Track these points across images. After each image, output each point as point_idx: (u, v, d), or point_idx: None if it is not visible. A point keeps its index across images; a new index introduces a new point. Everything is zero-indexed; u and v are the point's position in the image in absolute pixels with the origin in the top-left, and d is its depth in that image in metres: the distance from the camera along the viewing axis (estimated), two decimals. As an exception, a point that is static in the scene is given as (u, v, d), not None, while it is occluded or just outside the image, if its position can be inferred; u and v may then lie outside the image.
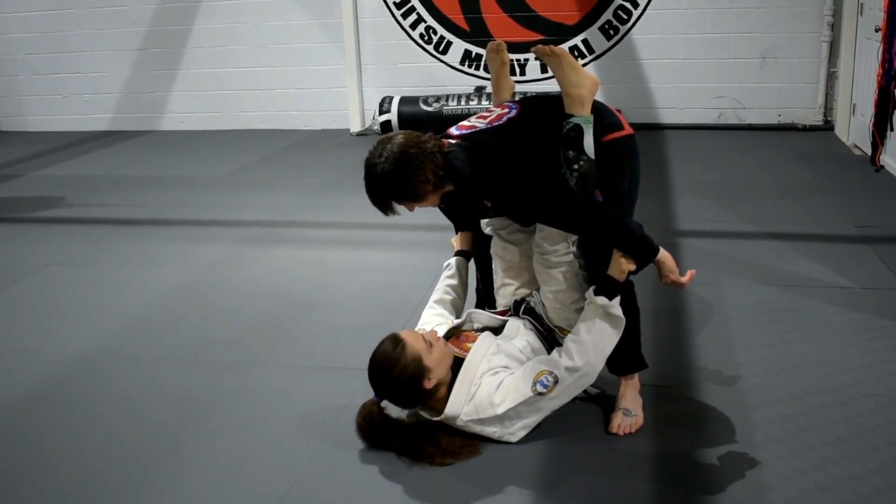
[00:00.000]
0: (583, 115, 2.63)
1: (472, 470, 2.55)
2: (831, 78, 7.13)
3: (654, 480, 2.48)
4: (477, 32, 7.78)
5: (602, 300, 2.61)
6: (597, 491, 2.44)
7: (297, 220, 5.32)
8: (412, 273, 4.22)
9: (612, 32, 7.51)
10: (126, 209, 5.76)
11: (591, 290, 2.66)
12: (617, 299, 2.63)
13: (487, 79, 7.83)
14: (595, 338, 2.60)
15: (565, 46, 7.60)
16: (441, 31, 7.85)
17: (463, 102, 7.52)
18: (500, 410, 2.58)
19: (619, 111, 2.84)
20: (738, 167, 6.12)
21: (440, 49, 7.90)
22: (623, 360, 2.81)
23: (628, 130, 2.77)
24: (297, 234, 5.07)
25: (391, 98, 7.73)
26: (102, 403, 3.09)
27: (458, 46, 7.87)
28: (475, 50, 7.82)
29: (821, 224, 4.72)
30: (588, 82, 2.66)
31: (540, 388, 2.57)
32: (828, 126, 7.16)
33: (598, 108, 2.71)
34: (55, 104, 8.88)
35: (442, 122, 7.51)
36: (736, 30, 7.24)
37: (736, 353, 3.23)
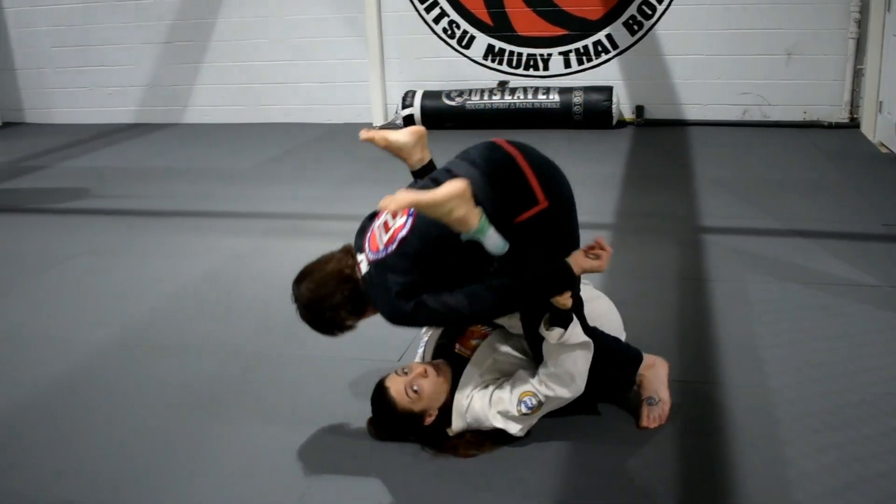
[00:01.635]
0: (471, 229, 2.32)
1: (496, 462, 2.56)
2: (858, 75, 7.07)
3: (678, 477, 2.48)
4: (500, 27, 7.78)
5: (556, 334, 2.49)
6: (619, 487, 2.44)
7: (320, 213, 5.33)
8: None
9: (636, 28, 7.49)
10: (152, 200, 5.80)
11: (542, 326, 2.54)
12: (573, 325, 2.51)
13: (510, 73, 7.85)
14: (566, 367, 2.53)
15: (589, 42, 7.60)
16: (464, 25, 7.84)
17: (486, 97, 7.53)
18: (494, 424, 2.59)
19: (532, 172, 2.48)
20: (762, 164, 6.09)
21: (463, 43, 7.90)
22: (614, 387, 2.80)
23: (543, 204, 2.44)
24: (321, 226, 5.09)
25: (414, 92, 7.74)
26: (129, 391, 3.12)
27: (482, 41, 7.86)
28: (498, 44, 7.82)
29: (847, 222, 4.69)
30: (454, 201, 2.26)
31: (524, 409, 2.55)
32: (854, 124, 7.10)
33: (499, 191, 2.43)
34: (81, 97, 8.94)
35: (464, 116, 7.57)
36: (761, 26, 7.20)
37: (760, 350, 3.22)
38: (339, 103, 8.30)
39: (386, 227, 2.55)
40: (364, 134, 2.84)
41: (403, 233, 2.48)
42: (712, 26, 7.31)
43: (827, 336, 3.33)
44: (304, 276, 2.62)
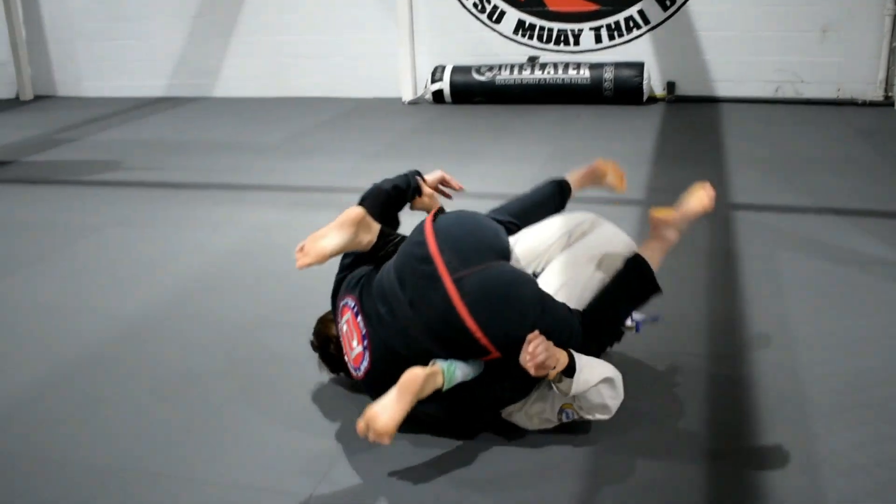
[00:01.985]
0: (442, 388, 2.33)
1: (516, 477, 2.56)
2: (893, 53, 6.96)
3: (706, 455, 2.47)
4: (531, 2, 7.72)
5: (566, 386, 2.36)
6: (647, 466, 2.43)
7: (348, 186, 5.31)
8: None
9: (668, 3, 7.40)
10: (181, 173, 5.83)
11: (551, 388, 2.44)
12: (578, 372, 2.35)
13: (540, 49, 7.79)
14: (594, 402, 2.40)
15: (620, 17, 7.52)
16: (495, 0, 7.79)
17: (516, 72, 7.49)
18: (532, 427, 2.55)
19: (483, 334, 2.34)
20: (795, 142, 6.02)
21: (493, 18, 7.85)
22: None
23: (496, 355, 2.37)
24: (348, 199, 4.99)
25: (443, 67, 7.72)
26: (158, 362, 3.15)
27: (512, 16, 7.81)
28: (529, 19, 7.76)
29: (880, 200, 4.63)
30: (415, 396, 2.26)
31: (565, 419, 2.49)
32: (888, 102, 7.00)
33: (453, 348, 2.36)
34: (111, 71, 8.99)
35: (494, 91, 7.54)
36: (796, 2, 7.09)
37: (790, 327, 3.19)
38: (368, 78, 8.29)
39: (349, 336, 2.56)
40: (300, 262, 2.52)
41: (365, 364, 2.50)
42: (746, 2, 7.21)
43: (857, 314, 3.29)
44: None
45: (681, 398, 2.74)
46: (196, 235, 4.53)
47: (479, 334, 2.32)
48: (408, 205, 2.90)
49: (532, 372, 2.27)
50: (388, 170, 5.61)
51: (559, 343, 2.34)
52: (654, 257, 2.69)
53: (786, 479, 2.31)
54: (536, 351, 2.24)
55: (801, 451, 2.43)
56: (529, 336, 2.28)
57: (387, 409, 2.23)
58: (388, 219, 2.77)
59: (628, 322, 2.72)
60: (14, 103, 8.97)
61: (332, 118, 7.47)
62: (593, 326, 2.51)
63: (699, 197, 2.85)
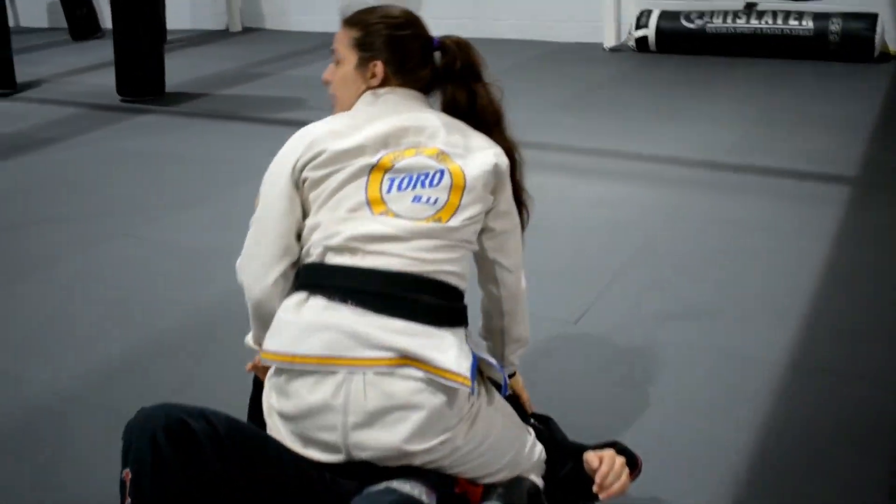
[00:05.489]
0: None
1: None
2: None
3: None
4: (754, -59, 7.00)
5: None
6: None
7: (526, 140, 4.94)
8: (640, 210, 3.84)
9: (916, -54, 6.48)
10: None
11: None
12: None
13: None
14: None
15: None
16: (714, -62, 7.13)
17: (729, 20, 6.83)
18: None
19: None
20: None
21: (711, -41, 7.19)
22: None
23: None
24: (524, 155, 4.74)
25: (650, 12, 7.16)
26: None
27: (731, -43, 7.12)
28: (750, -39, 7.05)
29: None
30: None
31: None
32: None
33: None
34: (318, 4, 8.98)
35: (704, 40, 6.92)
36: None
37: None
38: (569, 20, 7.82)
39: None
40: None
41: None
42: None
43: None
44: None
45: None
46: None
47: None
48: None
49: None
50: (570, 124, 5.27)
51: None
52: None
53: None
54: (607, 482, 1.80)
55: None
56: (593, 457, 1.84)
57: None
58: None
59: None
60: (223, 35, 9.17)
61: (523, 62, 7.10)
62: None
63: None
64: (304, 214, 1.83)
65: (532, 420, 2.09)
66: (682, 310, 2.93)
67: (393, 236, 1.71)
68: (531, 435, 1.92)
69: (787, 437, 2.26)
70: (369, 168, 1.79)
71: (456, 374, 1.60)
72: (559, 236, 3.61)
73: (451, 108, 1.97)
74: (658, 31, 7.08)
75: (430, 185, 1.79)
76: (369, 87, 1.95)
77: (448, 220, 1.77)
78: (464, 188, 1.80)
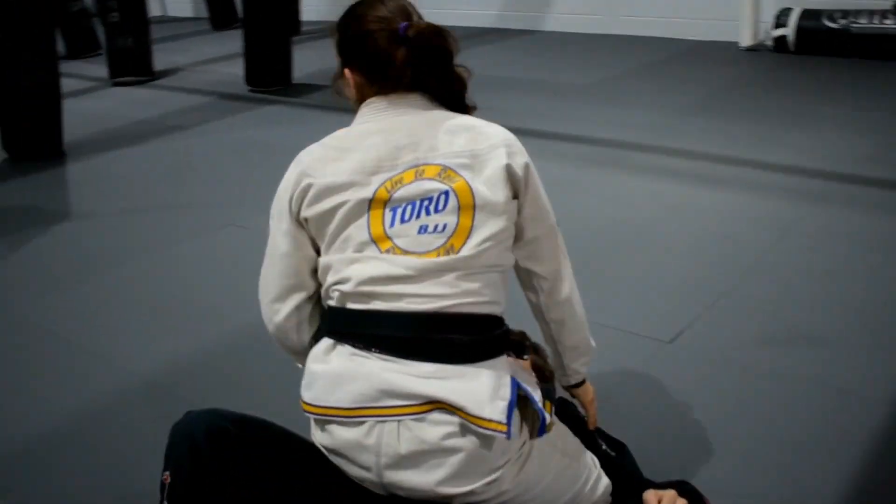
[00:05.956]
0: None
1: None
2: None
3: None
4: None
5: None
6: None
7: (647, 144, 4.83)
8: (754, 225, 3.64)
9: None
10: (479, 113, 5.63)
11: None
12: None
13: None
14: None
15: None
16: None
17: (876, 20, 6.43)
18: None
19: None
20: None
21: (860, -45, 6.78)
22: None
23: None
24: (643, 159, 4.59)
25: (790, 10, 6.82)
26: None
27: (883, -47, 6.69)
28: (904, -42, 6.61)
29: None
30: None
31: None
32: None
33: None
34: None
35: (847, 41, 6.53)
36: None
37: None
38: (704, 18, 7.55)
39: None
40: None
41: None
42: None
43: None
44: None
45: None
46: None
47: None
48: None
49: None
50: (698, 128, 5.05)
51: None
52: None
53: None
54: None
55: None
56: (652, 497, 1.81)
57: None
58: None
59: None
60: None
61: (654, 61, 6.90)
62: None
63: None
64: (317, 248, 1.72)
65: (604, 446, 2.00)
66: (783, 335, 2.75)
67: (404, 276, 1.58)
68: (595, 468, 1.83)
69: (879, 480, 2.08)
70: (367, 203, 1.63)
71: (488, 421, 1.50)
72: (668, 248, 3.48)
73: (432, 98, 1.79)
74: (798, 30, 6.75)
75: (436, 210, 1.62)
76: (362, 97, 1.80)
77: (461, 248, 1.61)
78: (474, 206, 1.63)
